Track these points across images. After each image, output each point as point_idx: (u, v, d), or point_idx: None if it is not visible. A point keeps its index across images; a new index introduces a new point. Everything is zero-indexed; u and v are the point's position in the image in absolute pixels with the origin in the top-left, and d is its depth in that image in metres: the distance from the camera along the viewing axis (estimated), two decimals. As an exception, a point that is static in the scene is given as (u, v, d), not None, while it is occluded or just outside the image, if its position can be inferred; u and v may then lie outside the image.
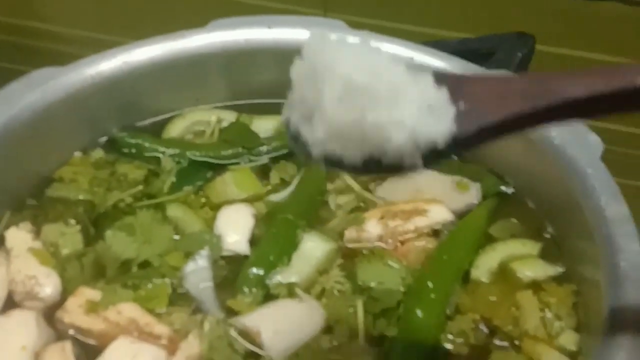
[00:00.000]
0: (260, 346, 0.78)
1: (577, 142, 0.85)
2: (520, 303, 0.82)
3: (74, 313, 0.82)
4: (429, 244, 0.89)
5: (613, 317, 0.69)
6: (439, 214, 0.91)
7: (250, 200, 0.94)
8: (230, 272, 0.86)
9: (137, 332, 0.80)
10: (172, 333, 0.80)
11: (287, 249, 0.87)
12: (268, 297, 0.84)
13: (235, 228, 0.89)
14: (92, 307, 0.81)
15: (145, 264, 0.87)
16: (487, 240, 0.90)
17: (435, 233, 0.91)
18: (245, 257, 0.87)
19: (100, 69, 0.98)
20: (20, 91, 0.92)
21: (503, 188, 0.96)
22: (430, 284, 0.83)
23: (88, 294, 0.83)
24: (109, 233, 0.88)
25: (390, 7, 1.30)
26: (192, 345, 0.79)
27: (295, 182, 0.96)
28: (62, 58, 0.99)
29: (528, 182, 0.94)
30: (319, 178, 0.96)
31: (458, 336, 0.80)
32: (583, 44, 1.16)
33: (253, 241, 0.89)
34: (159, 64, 1.01)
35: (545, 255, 0.88)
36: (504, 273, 0.86)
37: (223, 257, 0.87)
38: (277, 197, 0.94)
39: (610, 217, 0.77)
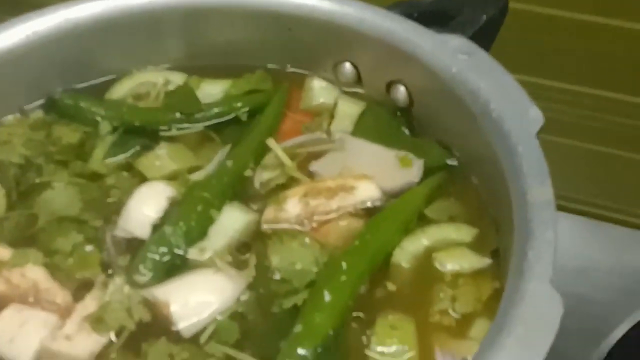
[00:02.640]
0: (169, 317, 0.75)
1: (515, 115, 0.77)
2: (428, 293, 0.76)
3: (-25, 270, 0.80)
4: (354, 223, 0.83)
5: (504, 312, 0.61)
6: (365, 192, 0.84)
7: (179, 174, 0.90)
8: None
9: (34, 298, 0.77)
10: (71, 301, 0.77)
11: (197, 228, 0.82)
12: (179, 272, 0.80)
13: (141, 209, 0.84)
14: None
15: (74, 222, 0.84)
16: (421, 222, 0.83)
17: (366, 213, 0.84)
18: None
19: (37, 28, 0.94)
20: (-50, 49, 0.90)
21: (449, 161, 0.89)
22: (343, 265, 0.77)
23: None
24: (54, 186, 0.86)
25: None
26: (88, 306, 0.77)
27: (219, 156, 0.91)
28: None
29: (472, 157, 0.86)
30: (247, 152, 0.90)
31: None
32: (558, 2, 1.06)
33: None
34: (105, 22, 0.97)
35: (481, 240, 0.81)
36: (426, 260, 0.79)
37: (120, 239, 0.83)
38: (200, 175, 0.89)
39: (531, 201, 0.69)
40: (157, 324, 0.76)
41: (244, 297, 0.77)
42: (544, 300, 0.60)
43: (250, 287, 0.78)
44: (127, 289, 0.77)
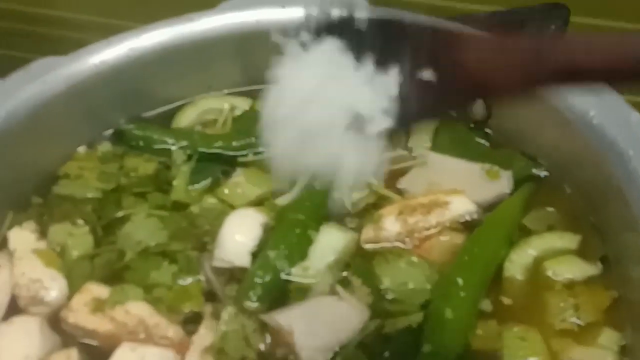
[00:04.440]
0: (291, 346, 0.73)
1: (617, 121, 0.78)
2: (548, 302, 0.76)
3: (79, 312, 0.77)
4: (455, 238, 0.82)
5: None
6: (461, 206, 0.84)
7: (264, 199, 0.89)
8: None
9: (145, 334, 0.75)
10: (183, 334, 0.76)
11: (298, 250, 0.81)
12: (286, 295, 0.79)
13: (238, 238, 0.83)
14: (99, 306, 0.77)
15: (163, 254, 0.82)
16: (522, 232, 0.83)
17: (465, 227, 0.84)
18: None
19: (104, 57, 0.93)
20: (20, 83, 0.88)
21: (535, 171, 0.89)
22: (459, 281, 0.76)
23: (95, 291, 0.79)
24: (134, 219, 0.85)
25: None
26: (204, 337, 0.75)
27: (304, 179, 0.90)
28: (69, 45, 0.94)
29: (565, 165, 0.86)
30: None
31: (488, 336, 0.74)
32: (621, 15, 1.07)
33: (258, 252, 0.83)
34: (167, 50, 0.96)
35: (586, 247, 0.81)
36: (537, 271, 0.79)
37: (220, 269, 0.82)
38: (286, 198, 0.87)
39: (657, 205, 0.70)
40: (277, 352, 0.74)
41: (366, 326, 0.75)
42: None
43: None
44: (241, 317, 0.75)
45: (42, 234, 0.86)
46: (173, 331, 0.76)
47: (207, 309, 0.78)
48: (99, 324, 0.76)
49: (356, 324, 0.75)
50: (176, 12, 0.97)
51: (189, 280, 0.80)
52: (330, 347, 0.73)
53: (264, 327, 0.75)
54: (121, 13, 1.27)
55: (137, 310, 0.77)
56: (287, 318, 0.74)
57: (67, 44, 0.96)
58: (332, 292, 0.78)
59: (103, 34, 0.94)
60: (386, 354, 0.73)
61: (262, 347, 0.75)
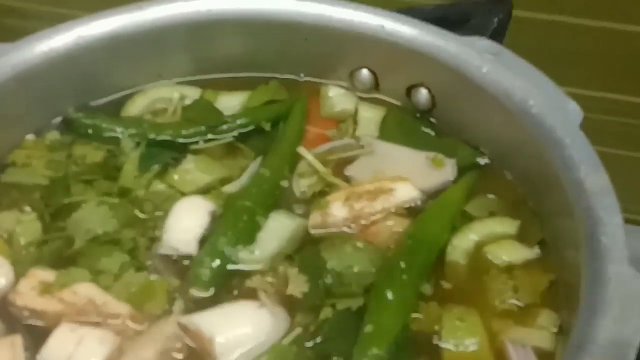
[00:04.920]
0: (209, 353, 0.73)
1: (555, 110, 0.81)
2: (488, 285, 0.78)
3: (27, 295, 0.77)
4: (400, 224, 0.84)
5: (593, 296, 0.64)
6: (405, 192, 0.86)
7: (213, 187, 0.90)
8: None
9: (96, 313, 0.76)
10: (133, 311, 0.76)
11: (245, 236, 0.83)
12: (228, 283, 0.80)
13: (185, 225, 0.83)
14: (46, 289, 0.77)
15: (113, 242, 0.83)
16: (464, 218, 0.85)
17: (409, 213, 0.86)
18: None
19: (52, 45, 0.92)
20: (-35, 70, 0.87)
21: (478, 159, 0.92)
22: (402, 264, 0.78)
23: (41, 275, 0.79)
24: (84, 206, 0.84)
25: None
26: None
27: (252, 166, 0.91)
28: (16, 33, 0.93)
29: (506, 153, 0.89)
30: (281, 161, 0.91)
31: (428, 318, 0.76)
32: (564, 9, 1.11)
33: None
34: (117, 38, 0.95)
35: (525, 232, 0.83)
36: (478, 255, 0.81)
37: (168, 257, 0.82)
38: (234, 186, 0.89)
39: (590, 189, 0.72)
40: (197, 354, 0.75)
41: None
42: (630, 281, 0.64)
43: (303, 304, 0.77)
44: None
45: (-11, 222, 0.85)
46: (122, 308, 0.76)
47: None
48: (48, 304, 0.76)
49: (277, 333, 0.75)
50: (124, 2, 0.96)
51: (133, 272, 0.80)
52: (251, 356, 0.74)
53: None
54: (69, 1, 1.26)
55: (84, 290, 0.77)
56: (208, 324, 0.74)
57: (14, 32, 0.95)
58: (277, 276, 0.79)
59: (50, 23, 0.93)
60: (319, 338, 0.75)
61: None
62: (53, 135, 0.95)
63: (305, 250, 0.83)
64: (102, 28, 0.95)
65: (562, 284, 0.78)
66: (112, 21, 0.95)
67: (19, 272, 0.80)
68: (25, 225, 0.85)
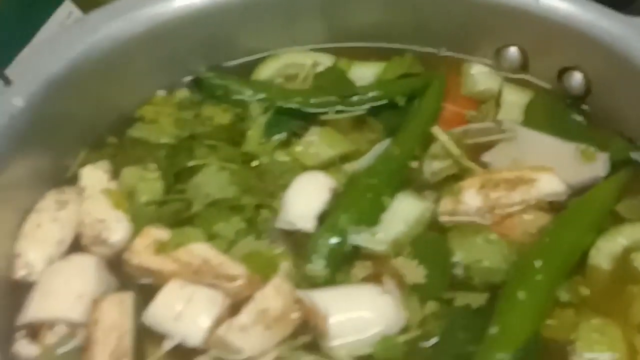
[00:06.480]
0: (321, 330, 0.69)
1: None
2: (635, 296, 0.71)
3: (142, 254, 0.76)
4: (540, 219, 0.77)
5: None
6: (549, 185, 0.78)
7: (336, 162, 0.85)
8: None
9: (211, 274, 0.73)
10: (249, 273, 0.73)
11: (369, 215, 0.78)
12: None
13: (305, 201, 0.79)
14: (161, 248, 0.75)
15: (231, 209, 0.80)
16: (613, 219, 0.77)
17: (551, 208, 0.78)
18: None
19: (188, 1, 0.90)
20: (102, 19, 0.86)
21: (634, 155, 0.83)
22: (537, 263, 0.71)
23: (156, 234, 0.77)
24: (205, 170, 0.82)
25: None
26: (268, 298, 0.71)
27: (382, 143, 0.86)
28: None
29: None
30: (413, 140, 0.85)
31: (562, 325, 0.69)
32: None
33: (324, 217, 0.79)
34: (253, 0, 0.92)
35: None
36: (625, 262, 0.73)
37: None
38: (359, 163, 0.84)
39: None
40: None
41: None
42: None
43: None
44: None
45: (115, 174, 0.84)
46: (240, 269, 0.73)
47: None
48: (163, 264, 0.75)
49: (396, 324, 0.70)
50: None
51: (252, 239, 0.77)
52: (360, 345, 0.69)
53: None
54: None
55: (200, 250, 0.75)
56: (325, 301, 0.69)
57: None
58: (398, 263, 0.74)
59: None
60: (434, 339, 0.70)
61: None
62: (183, 94, 0.93)
63: (429, 237, 0.77)
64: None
65: None
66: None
67: (136, 229, 0.79)
68: (148, 183, 0.84)
